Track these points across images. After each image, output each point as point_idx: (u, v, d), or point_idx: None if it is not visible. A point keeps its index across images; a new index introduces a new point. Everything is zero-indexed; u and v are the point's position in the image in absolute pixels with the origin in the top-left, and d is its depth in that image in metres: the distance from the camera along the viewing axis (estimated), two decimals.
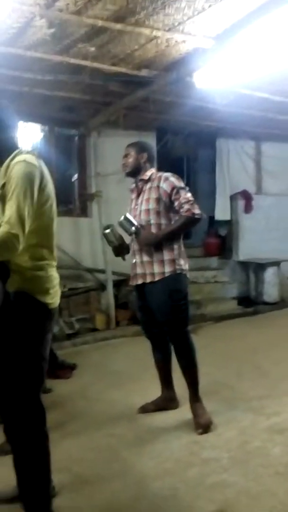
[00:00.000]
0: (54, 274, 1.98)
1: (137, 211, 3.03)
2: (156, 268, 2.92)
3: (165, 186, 2.90)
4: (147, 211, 2.96)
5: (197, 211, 2.83)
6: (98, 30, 3.42)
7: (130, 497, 2.21)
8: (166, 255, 2.92)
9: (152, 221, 2.94)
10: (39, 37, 3.47)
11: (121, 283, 5.94)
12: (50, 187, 1.93)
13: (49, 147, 5.99)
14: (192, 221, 2.88)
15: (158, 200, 2.92)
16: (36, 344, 1.88)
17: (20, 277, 1.85)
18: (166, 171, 3.06)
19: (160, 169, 3.14)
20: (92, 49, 3.71)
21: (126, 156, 3.12)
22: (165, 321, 2.96)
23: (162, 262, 2.92)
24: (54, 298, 1.95)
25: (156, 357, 3.17)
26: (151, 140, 6.47)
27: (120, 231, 3.02)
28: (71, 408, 3.32)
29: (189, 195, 2.88)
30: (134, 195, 3.14)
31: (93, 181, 6.05)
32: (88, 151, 6.12)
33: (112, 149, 6.07)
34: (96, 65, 3.96)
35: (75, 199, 6.38)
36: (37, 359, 1.89)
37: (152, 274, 2.94)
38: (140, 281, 3.01)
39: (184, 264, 2.98)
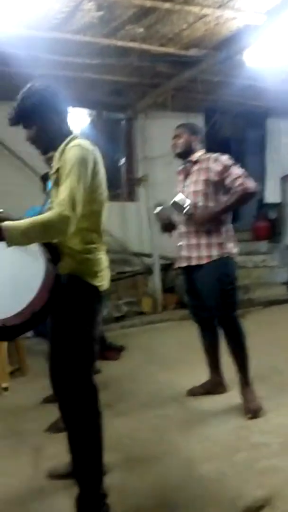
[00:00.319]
0: (103, 257, 2.00)
1: (184, 193, 2.98)
2: (204, 251, 2.89)
3: (215, 166, 2.85)
4: (195, 192, 2.92)
5: (251, 184, 2.77)
6: (146, 11, 3.39)
7: (178, 478, 2.24)
8: (214, 238, 2.87)
9: (200, 203, 2.89)
10: (87, 20, 3.48)
11: (168, 267, 5.94)
12: (103, 173, 1.94)
13: (96, 132, 6.03)
14: (246, 195, 2.80)
15: (207, 181, 2.87)
16: (87, 325, 1.92)
17: (71, 260, 1.89)
18: (214, 152, 3.00)
19: (208, 150, 3.08)
20: (140, 30, 3.68)
21: (176, 136, 3.07)
22: (214, 305, 2.92)
23: (210, 245, 2.87)
24: (103, 281, 1.98)
25: (204, 342, 3.16)
26: (199, 121, 6.37)
27: (173, 211, 3.01)
28: (120, 389, 3.38)
29: (241, 170, 2.82)
30: (181, 177, 3.10)
31: (140, 165, 6.03)
32: (135, 134, 6.10)
33: (159, 132, 6.03)
34: (144, 46, 3.93)
35: (122, 184, 6.41)
36: (88, 340, 1.93)
37: (199, 257, 2.90)
38: (184, 264, 2.99)
39: (232, 247, 2.92)
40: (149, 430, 2.74)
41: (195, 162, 2.97)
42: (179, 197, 2.90)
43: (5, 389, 3.37)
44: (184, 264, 3.00)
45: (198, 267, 2.92)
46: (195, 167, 2.96)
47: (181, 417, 2.89)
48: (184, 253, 2.98)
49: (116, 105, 5.92)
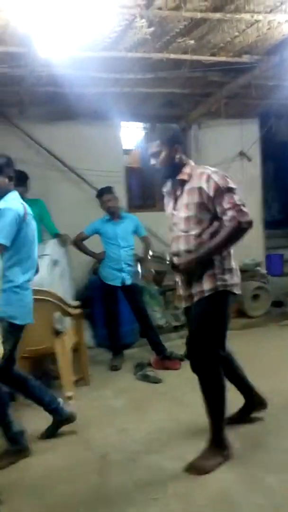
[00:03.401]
0: None
1: (174, 218, 2.50)
2: (195, 287, 2.45)
3: (206, 187, 2.34)
4: (187, 219, 2.42)
5: (244, 218, 2.28)
6: (197, 23, 3.42)
7: (241, 490, 2.20)
8: (208, 270, 2.41)
9: (193, 232, 2.41)
10: (139, 37, 3.56)
11: None
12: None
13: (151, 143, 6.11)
14: (238, 231, 2.30)
15: (200, 205, 2.37)
16: None
17: None
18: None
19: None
20: (191, 42, 3.71)
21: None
22: (192, 342, 2.52)
23: (200, 278, 2.42)
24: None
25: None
26: (254, 126, 6.32)
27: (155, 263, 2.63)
28: (181, 399, 3.37)
29: (236, 198, 2.31)
30: (170, 199, 2.58)
31: None
32: (189, 144, 6.12)
33: (213, 140, 6.03)
34: (195, 57, 3.95)
35: None
36: None
37: (191, 296, 2.48)
38: (184, 304, 2.57)
39: (230, 278, 2.45)
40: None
41: (185, 180, 2.45)
42: (151, 256, 2.51)
43: (70, 397, 3.47)
44: (184, 305, 2.59)
45: (192, 305, 2.51)
46: (186, 187, 2.43)
47: (244, 429, 2.84)
48: (181, 291, 2.57)
49: (169, 117, 5.97)
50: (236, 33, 3.66)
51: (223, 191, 2.31)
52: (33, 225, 2.82)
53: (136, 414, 3.15)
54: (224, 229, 2.32)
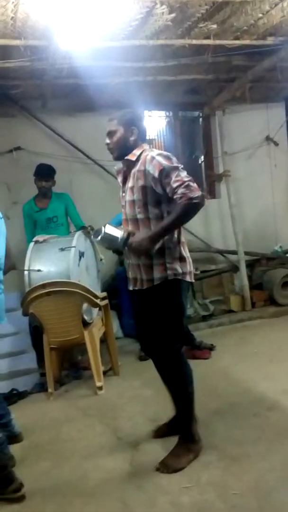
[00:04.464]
0: None
1: (122, 201, 2.45)
2: (144, 274, 2.37)
3: (151, 169, 2.26)
4: (132, 203, 2.36)
5: (194, 193, 2.17)
6: (218, 6, 3.34)
7: (277, 477, 2.19)
8: (156, 259, 2.32)
9: (139, 216, 2.33)
10: (160, 24, 3.50)
11: (254, 263, 5.80)
12: None
13: (174, 132, 6.06)
14: (190, 208, 2.20)
15: (145, 188, 2.30)
16: None
17: None
18: None
19: None
20: (214, 26, 3.63)
21: (109, 133, 2.44)
22: (152, 336, 2.43)
23: (150, 267, 2.34)
24: None
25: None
26: (280, 110, 6.17)
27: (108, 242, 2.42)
28: (213, 388, 3.36)
29: (183, 174, 2.22)
30: (120, 179, 2.53)
31: (220, 161, 5.95)
32: (214, 130, 6.04)
33: (238, 126, 5.92)
34: (218, 42, 3.87)
35: (202, 182, 6.37)
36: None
37: (141, 281, 2.40)
38: (131, 287, 2.49)
39: (181, 266, 2.36)
40: (246, 428, 2.71)
41: (134, 162, 2.38)
42: (109, 229, 2.35)
43: (100, 388, 3.51)
44: (130, 288, 2.51)
45: (140, 291, 2.43)
46: (133, 170, 2.37)
47: (278, 417, 2.82)
48: (130, 274, 2.49)
49: (192, 104, 5.90)
50: (260, 15, 3.56)
51: (168, 171, 2.22)
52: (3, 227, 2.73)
53: (166, 404, 3.15)
54: (176, 207, 2.21)
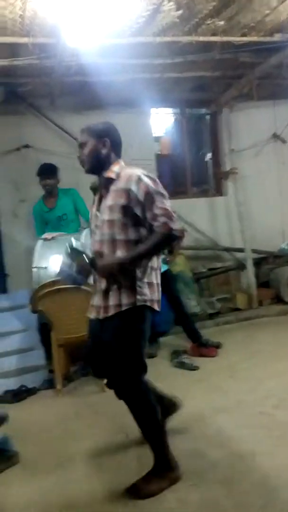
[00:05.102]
0: None
1: (98, 220, 2.26)
2: (112, 299, 2.19)
3: (135, 189, 2.12)
4: (111, 223, 2.18)
5: (176, 225, 2.09)
6: (226, 3, 3.34)
7: (283, 476, 2.19)
8: (125, 281, 2.16)
9: (119, 237, 2.17)
10: (167, 21, 3.51)
11: (261, 261, 5.79)
12: None
13: (180, 129, 6.05)
14: (168, 238, 2.12)
15: (126, 208, 2.15)
16: None
17: None
18: None
19: None
20: (221, 23, 3.63)
21: (81, 145, 2.30)
22: (112, 366, 2.24)
23: (118, 291, 2.18)
24: None
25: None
26: (287, 108, 6.13)
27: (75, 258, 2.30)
28: (218, 385, 3.37)
29: (167, 203, 2.11)
30: (96, 197, 2.38)
31: (228, 158, 5.94)
32: (221, 128, 6.02)
33: (245, 123, 5.91)
34: (225, 38, 3.86)
35: (209, 179, 6.36)
36: None
37: (105, 308, 2.21)
38: (93, 315, 2.30)
39: (151, 293, 2.20)
40: (252, 426, 2.71)
41: (112, 179, 2.22)
42: (71, 248, 2.26)
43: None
44: (92, 316, 2.32)
45: (104, 320, 2.23)
46: (113, 187, 2.20)
47: (286, 414, 2.82)
48: (95, 300, 2.30)
49: (199, 101, 5.89)
50: (267, 11, 3.55)
51: (154, 195, 2.10)
52: None
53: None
54: (154, 235, 2.10)
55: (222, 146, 6.04)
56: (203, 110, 6.20)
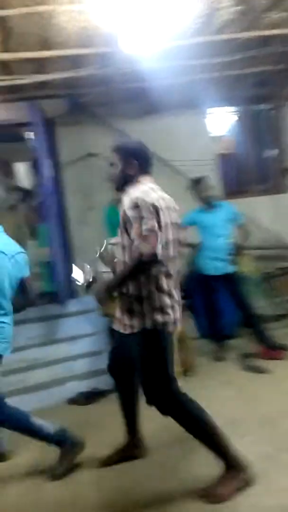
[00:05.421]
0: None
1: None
2: (126, 319, 2.27)
3: (130, 213, 2.15)
4: (118, 245, 2.31)
5: (146, 249, 2.01)
6: None
7: None
8: (135, 305, 2.21)
9: (118, 258, 2.30)
10: (226, 18, 3.46)
11: None
12: None
13: (242, 127, 5.94)
14: (140, 263, 2.05)
15: (123, 230, 2.21)
16: None
17: None
18: None
19: None
20: (281, 14, 3.51)
21: (112, 165, 2.40)
22: (144, 382, 2.36)
23: (131, 312, 2.24)
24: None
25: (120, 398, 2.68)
26: None
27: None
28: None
29: (144, 227, 2.05)
30: None
31: None
32: (283, 123, 5.84)
33: None
34: (286, 31, 3.74)
35: (271, 176, 6.17)
36: None
37: (124, 326, 2.29)
38: (116, 327, 2.38)
39: (163, 316, 2.20)
40: None
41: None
42: (75, 271, 2.38)
43: None
44: (115, 327, 2.40)
45: (125, 335, 2.31)
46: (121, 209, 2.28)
47: None
48: (117, 313, 2.38)
49: (261, 97, 5.74)
50: None
51: (132, 220, 2.11)
52: None
53: (245, 405, 3.10)
54: (132, 259, 2.12)
55: (285, 141, 5.84)
56: (264, 106, 6.03)
